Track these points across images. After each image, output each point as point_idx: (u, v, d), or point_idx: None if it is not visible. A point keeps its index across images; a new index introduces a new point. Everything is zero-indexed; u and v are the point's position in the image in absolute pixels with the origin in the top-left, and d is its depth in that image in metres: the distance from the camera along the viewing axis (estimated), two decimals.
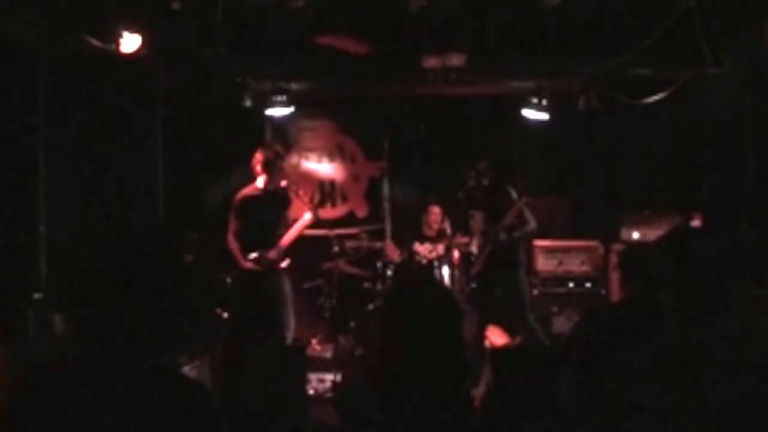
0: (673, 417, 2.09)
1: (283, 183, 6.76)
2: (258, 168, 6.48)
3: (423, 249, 7.44)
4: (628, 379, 2.20)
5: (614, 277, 7.26)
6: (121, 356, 1.77)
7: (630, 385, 2.18)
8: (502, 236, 6.98)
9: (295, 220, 8.58)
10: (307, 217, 6.70)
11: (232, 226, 6.46)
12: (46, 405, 1.74)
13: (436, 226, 7.63)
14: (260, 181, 6.50)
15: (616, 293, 7.28)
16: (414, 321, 2.03)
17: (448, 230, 7.50)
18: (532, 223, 7.08)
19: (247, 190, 6.52)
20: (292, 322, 6.64)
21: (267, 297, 6.48)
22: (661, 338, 2.25)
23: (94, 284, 1.79)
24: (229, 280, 6.92)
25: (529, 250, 7.68)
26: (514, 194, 7.10)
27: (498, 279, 7.02)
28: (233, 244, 6.41)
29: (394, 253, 7.45)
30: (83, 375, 1.77)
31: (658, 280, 2.30)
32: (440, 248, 7.38)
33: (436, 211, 7.66)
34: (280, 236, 6.56)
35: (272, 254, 6.45)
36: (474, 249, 7.23)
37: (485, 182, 7.16)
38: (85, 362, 1.79)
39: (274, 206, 6.61)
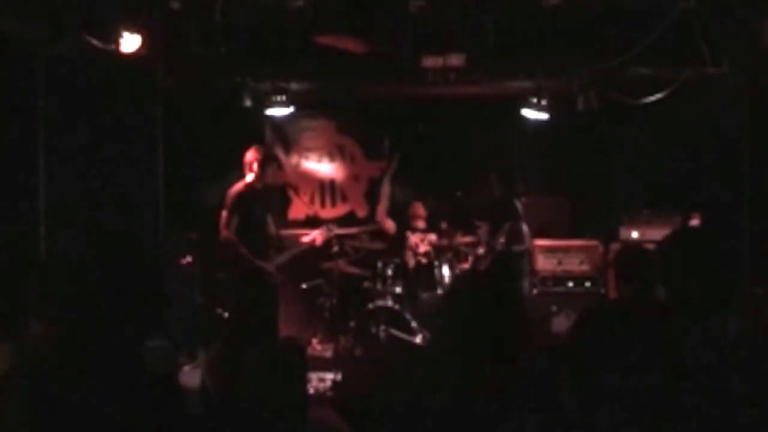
0: (673, 416, 2.10)
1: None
2: (255, 165, 6.47)
3: (414, 238, 7.50)
4: (628, 378, 2.20)
5: (611, 275, 7.32)
6: (93, 353, 1.79)
7: (630, 385, 2.19)
8: (500, 246, 7.11)
9: (295, 220, 8.62)
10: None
11: (228, 221, 6.42)
12: (26, 401, 1.76)
13: (421, 221, 7.68)
14: (251, 178, 6.49)
15: (614, 292, 7.29)
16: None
17: (446, 229, 7.52)
18: (525, 245, 7.23)
19: (239, 187, 6.51)
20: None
21: (269, 296, 6.50)
22: (663, 338, 2.25)
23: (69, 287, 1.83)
24: (228, 277, 6.93)
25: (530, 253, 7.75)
26: (520, 207, 7.21)
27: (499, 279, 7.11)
28: (235, 240, 6.39)
29: (390, 227, 7.53)
30: (59, 372, 1.79)
31: (657, 280, 2.31)
32: (431, 237, 7.45)
33: (418, 206, 7.74)
34: (270, 235, 6.62)
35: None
36: (481, 251, 7.32)
37: (496, 193, 7.27)
38: (61, 359, 1.81)
39: (265, 204, 6.64)
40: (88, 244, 1.89)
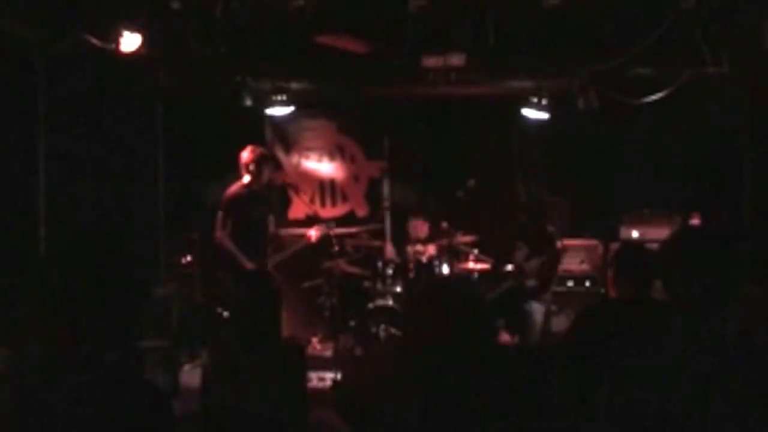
0: (673, 416, 2.10)
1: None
2: (251, 166, 6.45)
3: (413, 250, 7.48)
4: (627, 378, 2.20)
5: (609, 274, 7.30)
6: (72, 357, 1.79)
7: (629, 385, 2.19)
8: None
9: (295, 220, 8.62)
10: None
11: (224, 223, 6.41)
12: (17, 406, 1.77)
13: (422, 235, 7.64)
14: (248, 179, 6.48)
15: (612, 291, 7.28)
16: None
17: (446, 229, 7.51)
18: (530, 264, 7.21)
19: (235, 189, 6.49)
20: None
21: (268, 296, 6.49)
22: (662, 338, 2.25)
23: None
24: (229, 278, 6.94)
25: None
26: (559, 244, 7.31)
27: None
28: (230, 245, 6.40)
29: (388, 251, 7.51)
30: (39, 377, 1.79)
31: (657, 280, 2.31)
32: (431, 248, 7.42)
33: (417, 224, 7.68)
34: (267, 236, 6.63)
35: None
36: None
37: (539, 219, 7.28)
38: (42, 365, 1.81)
39: (264, 205, 6.63)
40: (65, 244, 1.89)
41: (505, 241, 7.57)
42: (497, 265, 7.43)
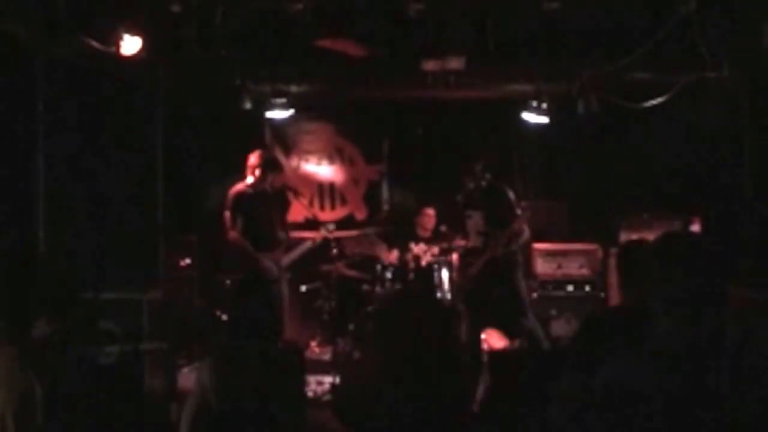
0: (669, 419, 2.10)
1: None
2: (256, 171, 6.49)
3: (418, 249, 7.47)
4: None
5: (613, 280, 7.29)
6: None
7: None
8: (501, 249, 6.93)
9: (294, 222, 8.62)
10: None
11: (234, 222, 6.43)
12: None
13: (430, 228, 7.67)
14: (251, 180, 6.52)
15: (615, 296, 7.28)
16: (416, 327, 2.07)
17: (446, 232, 7.51)
18: (526, 233, 7.10)
19: (239, 188, 6.53)
20: (284, 325, 6.76)
21: (271, 299, 6.50)
22: (651, 343, 2.25)
23: None
24: (228, 282, 6.93)
25: (528, 254, 7.67)
26: (512, 195, 7.10)
27: (496, 280, 7.00)
28: (244, 242, 6.42)
29: (389, 256, 7.48)
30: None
31: (648, 282, 2.30)
32: (435, 249, 7.40)
33: (430, 213, 7.74)
34: (277, 235, 6.65)
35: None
36: (470, 244, 7.21)
37: (483, 183, 7.12)
38: None
39: (265, 205, 6.67)
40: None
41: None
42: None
